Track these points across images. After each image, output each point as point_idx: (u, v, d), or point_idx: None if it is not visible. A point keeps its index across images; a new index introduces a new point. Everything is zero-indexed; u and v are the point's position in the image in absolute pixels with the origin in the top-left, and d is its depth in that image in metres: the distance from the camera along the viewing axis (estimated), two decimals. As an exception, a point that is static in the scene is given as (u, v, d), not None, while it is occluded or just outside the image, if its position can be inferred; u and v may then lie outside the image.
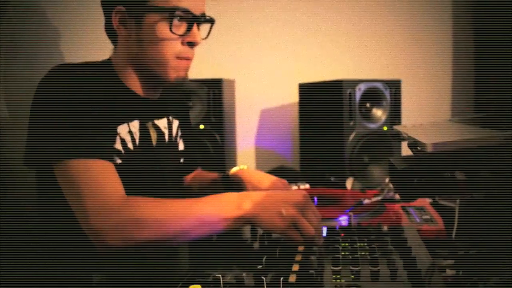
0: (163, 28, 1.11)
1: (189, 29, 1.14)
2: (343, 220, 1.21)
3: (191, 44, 1.16)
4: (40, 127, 1.03)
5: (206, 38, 1.22)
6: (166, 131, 1.29)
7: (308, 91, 2.21)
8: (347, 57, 2.50)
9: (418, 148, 0.70)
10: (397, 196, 1.44)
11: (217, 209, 0.96)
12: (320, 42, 2.50)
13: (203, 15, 1.18)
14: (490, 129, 0.73)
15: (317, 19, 2.49)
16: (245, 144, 2.51)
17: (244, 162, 2.48)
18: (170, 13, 1.10)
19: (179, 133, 1.36)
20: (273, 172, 2.23)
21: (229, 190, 1.24)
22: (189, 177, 1.51)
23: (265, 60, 2.50)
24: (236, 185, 1.32)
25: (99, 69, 1.16)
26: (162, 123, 1.28)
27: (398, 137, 0.93)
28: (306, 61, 2.50)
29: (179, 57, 1.15)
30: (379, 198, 1.40)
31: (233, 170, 1.37)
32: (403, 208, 1.38)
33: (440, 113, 2.52)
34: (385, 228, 1.06)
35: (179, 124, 1.36)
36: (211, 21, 1.22)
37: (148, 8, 1.10)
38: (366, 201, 1.37)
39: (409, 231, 1.07)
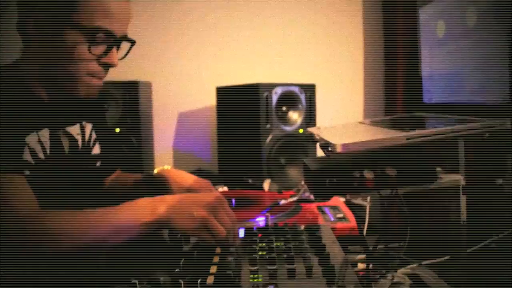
0: (81, 47, 1.06)
1: (107, 50, 1.10)
2: (261, 221, 1.23)
3: (107, 66, 1.12)
4: None
5: (123, 58, 1.17)
6: (79, 137, 1.25)
7: (226, 94, 2.23)
8: (264, 61, 2.55)
9: (329, 149, 0.73)
10: (313, 196, 1.48)
11: (132, 216, 0.96)
12: (237, 46, 2.53)
13: (125, 36, 1.14)
14: (396, 130, 0.78)
15: (235, 23, 2.52)
16: (163, 147, 2.48)
17: (162, 165, 2.44)
18: (92, 34, 1.06)
19: (94, 136, 1.32)
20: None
21: (153, 189, 1.23)
22: (109, 179, 1.47)
23: (183, 63, 2.48)
24: (160, 184, 1.31)
25: (4, 74, 1.09)
26: (74, 130, 1.23)
27: (312, 139, 0.96)
28: (223, 64, 2.51)
29: (92, 75, 1.11)
30: (295, 198, 1.44)
31: (157, 170, 1.36)
32: (319, 208, 1.42)
33: (353, 116, 2.64)
34: (302, 227, 1.10)
35: (92, 127, 1.32)
36: (132, 42, 1.18)
37: (70, 24, 1.05)
38: (283, 201, 1.40)
39: (324, 230, 1.11)
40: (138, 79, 2.07)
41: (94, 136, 1.31)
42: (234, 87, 2.18)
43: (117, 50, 1.14)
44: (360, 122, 1.07)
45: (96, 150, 1.32)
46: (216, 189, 1.79)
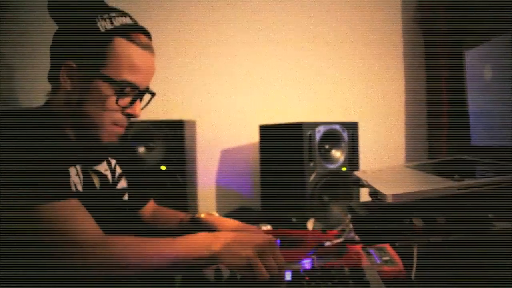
0: (109, 98, 1.13)
1: (132, 102, 1.18)
2: (307, 263, 1.23)
3: (130, 116, 1.20)
4: None
5: (143, 108, 1.25)
6: (108, 173, 1.30)
7: (269, 133, 2.25)
8: (306, 99, 2.58)
9: (379, 197, 0.73)
10: (358, 237, 1.47)
11: (190, 250, 0.99)
12: (280, 84, 2.57)
13: (147, 88, 1.22)
14: (444, 177, 0.78)
15: (277, 62, 2.56)
16: (206, 184, 2.51)
17: (205, 202, 2.48)
18: (120, 87, 1.13)
19: (118, 171, 1.36)
20: (235, 213, 2.24)
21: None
22: (147, 212, 1.51)
23: (226, 101, 2.54)
24: (206, 230, 1.34)
25: (41, 115, 1.16)
26: (102, 167, 1.29)
27: (358, 183, 0.97)
28: (266, 102, 2.55)
29: (115, 124, 1.18)
30: (340, 239, 1.43)
31: (203, 214, 1.39)
32: (364, 248, 1.41)
33: (395, 153, 2.61)
34: (347, 270, 1.09)
35: (116, 162, 1.37)
36: (153, 94, 1.26)
37: (99, 76, 1.12)
38: (328, 243, 1.39)
39: (370, 273, 1.10)
40: (183, 117, 2.13)
41: (119, 170, 1.36)
42: (277, 125, 2.21)
43: (140, 101, 1.22)
44: (406, 166, 1.07)
45: (123, 184, 1.37)
46: (260, 228, 1.80)
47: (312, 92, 2.58)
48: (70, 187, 1.11)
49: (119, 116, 1.17)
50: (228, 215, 2.25)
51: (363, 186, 0.93)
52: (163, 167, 2.06)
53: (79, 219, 1.01)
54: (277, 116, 2.49)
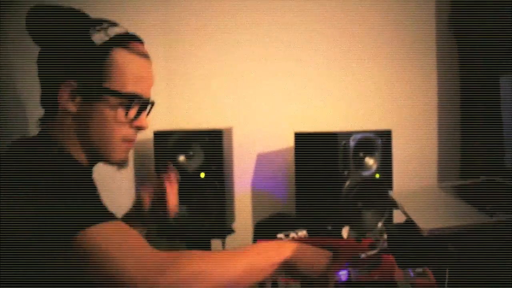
0: (117, 112, 1.09)
1: (138, 113, 1.14)
2: (343, 275, 1.28)
3: (139, 129, 1.16)
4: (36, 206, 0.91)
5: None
6: None
7: (304, 140, 2.30)
8: (340, 106, 2.61)
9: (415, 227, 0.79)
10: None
11: (264, 257, 1.03)
12: (314, 91, 2.62)
13: (149, 98, 1.18)
14: (477, 208, 0.83)
15: (312, 69, 2.61)
16: (242, 189, 2.58)
17: (242, 207, 2.54)
18: (129, 99, 1.10)
19: None
20: (271, 219, 2.30)
21: None
22: None
23: (262, 107, 2.61)
24: None
25: (51, 147, 1.07)
26: None
27: (395, 205, 1.03)
28: (301, 108, 2.61)
29: (125, 140, 1.14)
30: (375, 251, 1.48)
31: None
32: (397, 259, 1.45)
33: (428, 160, 2.62)
34: (381, 283, 1.15)
35: None
36: (152, 104, 1.21)
37: (106, 91, 1.08)
38: (363, 255, 1.44)
39: (404, 286, 1.15)
40: (220, 122, 2.18)
41: None
42: (312, 134, 2.26)
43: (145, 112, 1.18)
44: (441, 187, 1.12)
45: None
46: (296, 233, 1.85)
47: (346, 98, 2.62)
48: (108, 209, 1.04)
49: (128, 130, 1.13)
50: (264, 221, 2.32)
51: (398, 208, 0.98)
52: (202, 175, 2.13)
53: (135, 240, 0.95)
54: (311, 121, 2.54)
